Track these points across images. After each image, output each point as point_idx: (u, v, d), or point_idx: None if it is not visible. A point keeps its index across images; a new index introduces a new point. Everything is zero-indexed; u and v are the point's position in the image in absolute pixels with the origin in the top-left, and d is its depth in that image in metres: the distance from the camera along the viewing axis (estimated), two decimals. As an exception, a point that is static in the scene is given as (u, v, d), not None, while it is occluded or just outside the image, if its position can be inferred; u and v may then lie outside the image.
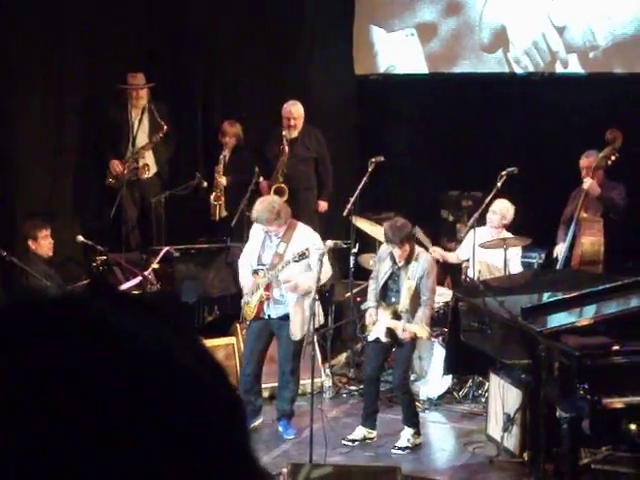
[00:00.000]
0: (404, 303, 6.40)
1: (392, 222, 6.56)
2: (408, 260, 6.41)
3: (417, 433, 6.48)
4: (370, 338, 6.56)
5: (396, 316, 6.46)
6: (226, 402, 0.76)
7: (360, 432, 6.53)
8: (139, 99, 8.48)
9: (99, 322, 0.73)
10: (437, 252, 7.76)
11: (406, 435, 6.44)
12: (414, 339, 6.51)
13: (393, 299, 6.51)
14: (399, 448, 6.40)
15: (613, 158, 7.67)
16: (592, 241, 7.65)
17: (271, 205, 6.53)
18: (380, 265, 6.61)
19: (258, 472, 0.79)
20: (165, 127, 8.41)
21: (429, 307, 6.46)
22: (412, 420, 6.48)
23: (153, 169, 8.61)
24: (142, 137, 8.54)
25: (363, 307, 6.74)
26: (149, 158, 8.59)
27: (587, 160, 7.75)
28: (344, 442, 6.44)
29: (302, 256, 6.26)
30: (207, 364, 0.77)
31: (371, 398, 6.59)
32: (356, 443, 6.49)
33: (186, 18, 9.10)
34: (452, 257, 7.90)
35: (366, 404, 6.61)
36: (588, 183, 7.61)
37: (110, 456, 0.69)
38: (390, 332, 6.45)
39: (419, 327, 6.39)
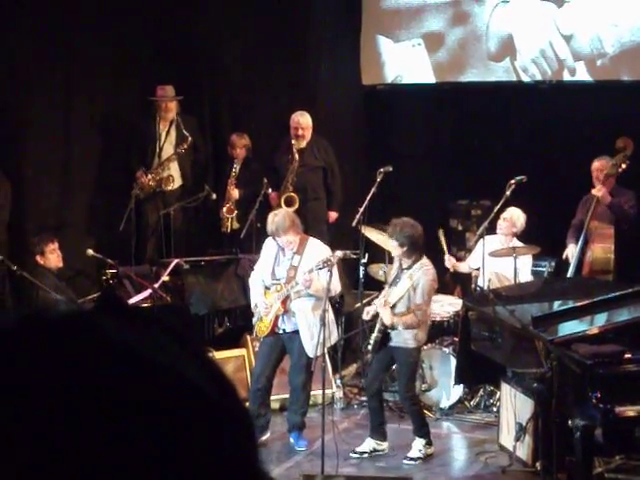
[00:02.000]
0: (393, 297, 6.31)
1: (399, 219, 6.53)
2: (410, 267, 6.35)
3: (429, 443, 6.44)
4: (369, 347, 6.49)
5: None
6: (235, 417, 0.76)
7: (369, 444, 6.51)
8: (168, 111, 8.55)
9: (106, 339, 0.73)
10: (451, 260, 7.74)
11: (417, 446, 6.41)
12: (409, 355, 6.39)
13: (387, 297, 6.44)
14: (411, 459, 6.37)
15: (624, 166, 7.66)
16: (603, 249, 7.62)
17: (286, 214, 6.64)
18: (391, 272, 6.62)
19: None
20: (190, 139, 8.46)
21: (416, 315, 6.28)
22: (422, 430, 6.43)
23: (178, 181, 8.65)
24: (169, 149, 8.61)
25: (363, 317, 6.66)
26: (174, 170, 8.63)
27: (599, 164, 7.74)
28: (352, 455, 6.40)
29: (327, 263, 6.27)
30: (216, 379, 0.77)
31: (375, 410, 6.53)
32: (365, 455, 6.46)
33: (193, 32, 9.14)
34: (463, 267, 7.88)
35: (371, 416, 6.57)
36: (601, 192, 7.58)
37: (118, 474, 0.68)
38: (384, 331, 6.35)
39: (388, 311, 6.24)
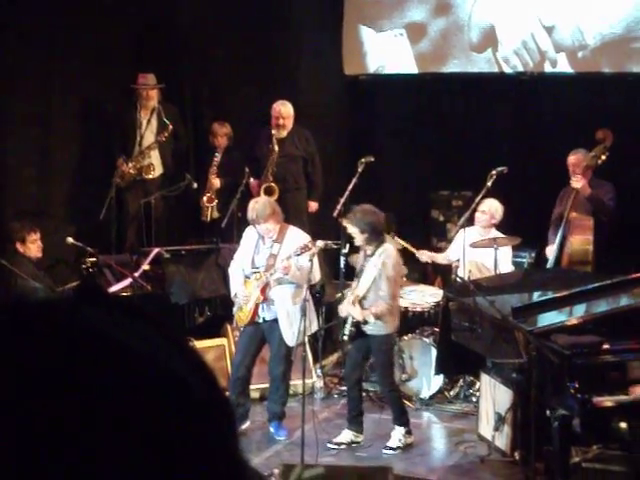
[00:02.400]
0: (361, 289, 6.30)
1: (359, 207, 6.50)
2: (373, 254, 6.33)
3: (408, 432, 6.45)
4: (345, 338, 6.49)
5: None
6: (215, 405, 0.76)
7: (347, 435, 6.51)
8: (149, 100, 8.52)
9: (85, 327, 0.73)
10: (425, 254, 7.76)
11: (397, 435, 6.42)
12: (383, 342, 6.38)
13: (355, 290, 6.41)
14: (390, 448, 6.38)
15: (604, 157, 7.69)
16: (582, 240, 7.66)
17: (267, 201, 6.66)
18: (358, 261, 6.58)
19: (248, 474, 0.78)
20: (170, 127, 8.43)
21: (385, 302, 6.26)
22: (402, 419, 6.44)
23: (159, 169, 8.62)
24: (150, 137, 8.58)
25: (340, 314, 6.61)
26: (155, 158, 8.60)
27: (575, 158, 7.77)
28: (330, 445, 6.39)
29: (305, 249, 6.27)
30: (196, 368, 0.76)
31: (354, 400, 6.53)
32: (342, 446, 6.47)
33: (175, 20, 9.09)
34: (441, 258, 7.90)
35: (350, 407, 6.57)
36: (580, 184, 7.61)
37: (97, 462, 0.68)
38: (357, 322, 6.34)
39: (357, 309, 6.23)
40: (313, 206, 8.66)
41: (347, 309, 6.32)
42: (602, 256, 7.68)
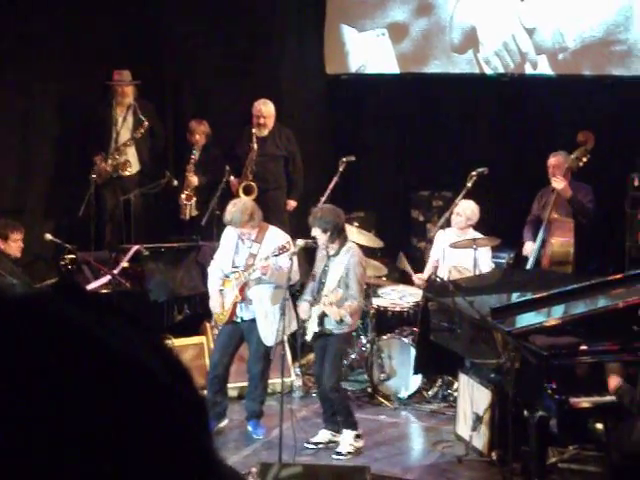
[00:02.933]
0: (327, 290, 6.27)
1: (319, 207, 6.50)
2: (338, 252, 6.30)
3: (358, 436, 6.34)
4: (308, 338, 6.46)
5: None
6: (189, 403, 0.76)
7: (324, 435, 6.49)
8: (125, 96, 8.49)
9: (60, 322, 0.72)
10: (420, 279, 7.71)
11: (347, 439, 6.33)
12: (341, 339, 6.36)
13: (322, 291, 6.37)
14: (339, 454, 6.26)
15: (585, 160, 7.73)
16: (562, 242, 7.70)
17: (244, 207, 6.53)
18: (318, 260, 6.57)
19: (222, 472, 0.78)
20: (146, 124, 8.40)
21: (355, 300, 6.25)
22: (349, 422, 6.34)
23: (135, 166, 8.59)
24: (126, 134, 8.55)
25: (298, 302, 6.60)
26: (131, 155, 8.57)
27: (555, 159, 7.80)
28: (307, 445, 6.36)
29: (282, 250, 6.26)
30: (171, 365, 0.76)
31: (325, 401, 6.48)
32: (320, 446, 6.45)
33: (155, 17, 9.06)
34: (428, 270, 7.82)
35: (323, 407, 6.53)
36: (561, 185, 7.64)
37: (66, 457, 0.68)
38: (321, 321, 6.32)
39: (335, 309, 6.19)
40: (292, 205, 8.66)
41: (324, 309, 6.28)
42: (582, 257, 7.72)
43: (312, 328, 6.36)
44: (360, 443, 6.36)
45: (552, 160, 7.81)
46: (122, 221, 8.45)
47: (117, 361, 0.72)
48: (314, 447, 6.42)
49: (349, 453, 6.28)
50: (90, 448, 0.69)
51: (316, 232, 6.29)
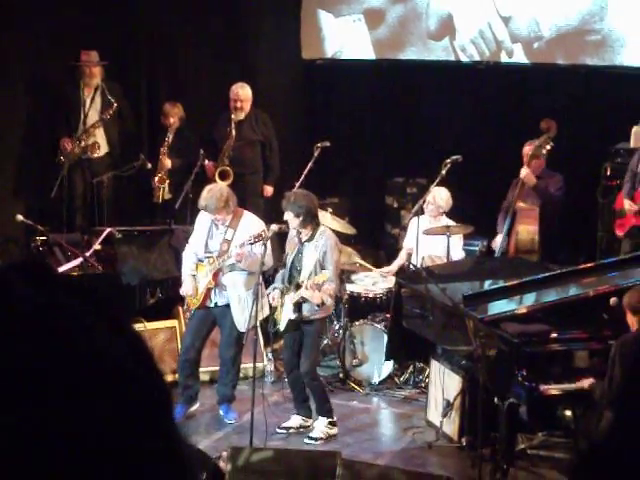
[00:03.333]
0: (305, 275, 6.25)
1: (291, 191, 6.48)
2: (312, 237, 6.29)
3: (332, 423, 6.36)
4: (281, 328, 6.44)
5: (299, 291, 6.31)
6: (153, 389, 0.75)
7: (296, 420, 6.51)
8: (92, 77, 8.41)
9: (16, 302, 0.71)
10: (389, 273, 7.73)
11: (320, 426, 6.34)
12: (318, 325, 6.36)
13: (297, 277, 6.35)
14: (312, 438, 6.28)
15: (548, 147, 7.78)
16: (528, 230, 7.76)
17: (219, 193, 6.48)
18: (288, 247, 6.55)
19: (186, 456, 0.78)
20: (115, 105, 8.34)
21: (332, 282, 6.23)
22: (324, 408, 6.36)
23: (104, 148, 8.54)
24: (94, 115, 8.48)
25: (268, 291, 6.59)
26: (100, 137, 8.51)
27: (527, 148, 7.86)
28: (278, 430, 6.37)
29: (258, 238, 6.24)
30: (134, 349, 0.76)
31: (296, 387, 6.50)
32: (291, 431, 6.47)
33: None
34: (402, 257, 7.84)
35: (294, 393, 6.54)
36: (524, 172, 7.72)
37: (29, 444, 0.67)
38: (298, 308, 6.31)
39: (317, 293, 6.18)
40: (269, 190, 8.64)
41: (303, 294, 6.26)
42: (550, 246, 7.78)
43: (287, 316, 6.35)
44: (334, 430, 6.38)
45: (527, 149, 7.85)
46: (94, 203, 8.40)
47: (74, 344, 0.71)
48: (285, 432, 6.44)
49: (321, 439, 6.30)
50: (47, 433, 0.68)
51: (288, 216, 6.27)
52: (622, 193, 7.64)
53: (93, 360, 0.71)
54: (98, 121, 8.45)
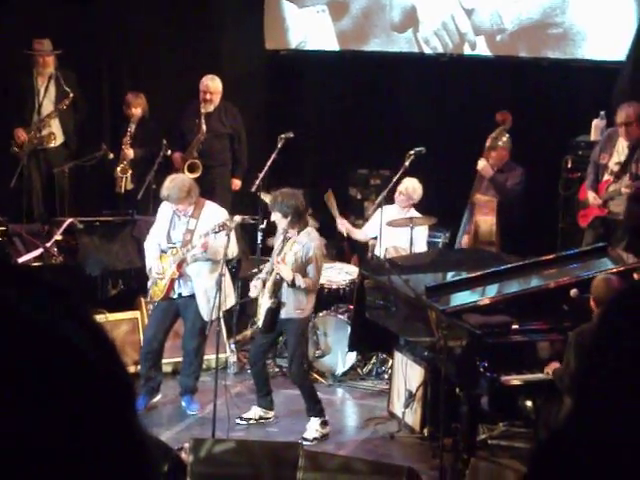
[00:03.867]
0: (281, 268, 6.21)
1: (278, 191, 6.48)
2: (298, 234, 6.25)
3: (324, 422, 6.34)
4: (259, 323, 6.41)
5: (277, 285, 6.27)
6: (114, 380, 0.75)
7: (255, 412, 6.50)
8: (45, 66, 8.31)
9: None
10: (345, 224, 7.81)
11: (313, 426, 6.32)
12: (298, 326, 6.31)
13: None
14: (306, 439, 6.22)
15: (504, 139, 7.85)
16: (486, 221, 7.82)
17: (182, 183, 6.46)
18: (275, 242, 6.55)
19: (149, 449, 0.78)
20: (71, 95, 8.25)
21: (311, 279, 6.21)
22: (315, 409, 6.34)
23: (60, 138, 8.45)
24: (48, 105, 8.37)
25: (250, 294, 6.48)
26: (55, 127, 8.42)
27: (488, 141, 7.93)
28: (238, 421, 6.35)
29: (222, 227, 6.22)
30: (96, 340, 0.75)
31: (259, 380, 6.49)
32: (251, 422, 6.46)
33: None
34: (359, 234, 7.96)
35: (257, 386, 6.54)
36: (481, 164, 7.79)
37: None
38: (275, 294, 6.25)
39: (288, 267, 6.13)
40: (237, 184, 8.60)
41: (275, 267, 6.20)
42: (510, 238, 7.84)
43: (264, 304, 6.32)
44: (327, 429, 6.34)
45: (487, 141, 7.91)
46: (54, 194, 8.32)
47: (37, 335, 0.70)
48: (245, 423, 6.43)
49: (315, 439, 6.26)
50: (8, 424, 0.67)
51: (276, 217, 6.24)
52: (585, 185, 7.72)
53: (54, 351, 0.71)
54: (54, 111, 8.36)
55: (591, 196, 7.57)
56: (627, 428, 0.95)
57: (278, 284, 6.25)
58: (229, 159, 8.59)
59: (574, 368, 4.93)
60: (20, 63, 8.37)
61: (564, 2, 8.59)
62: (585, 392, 1.03)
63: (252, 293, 6.44)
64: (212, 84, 8.37)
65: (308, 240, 6.23)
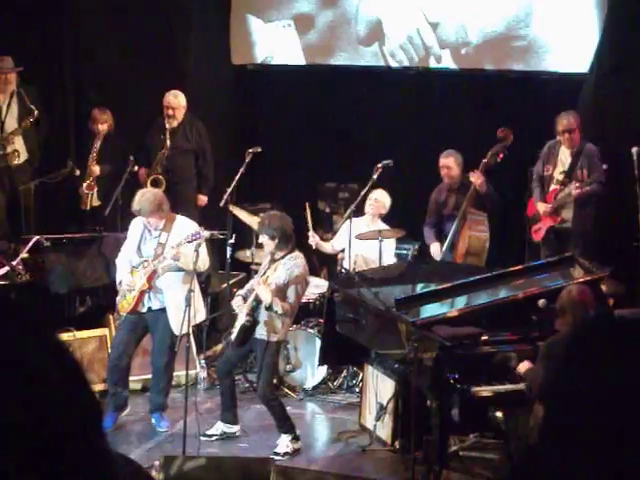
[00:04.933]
0: (262, 290, 6.17)
1: (265, 214, 6.49)
2: (283, 257, 6.23)
3: (295, 438, 6.30)
4: (232, 337, 6.37)
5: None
6: (79, 400, 0.74)
7: (218, 428, 6.45)
8: (7, 83, 8.26)
9: None
10: (315, 238, 7.82)
11: (284, 442, 6.27)
12: (271, 349, 6.26)
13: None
14: (278, 454, 6.18)
15: (502, 156, 7.88)
16: (478, 236, 7.82)
17: (153, 196, 6.47)
18: (263, 261, 6.56)
19: (114, 467, 0.76)
20: (36, 112, 8.19)
21: (289, 304, 6.18)
22: (286, 426, 6.31)
23: (23, 155, 8.39)
24: (11, 122, 8.31)
25: (234, 306, 6.50)
26: (19, 144, 8.36)
27: (445, 160, 7.91)
28: (201, 437, 6.23)
29: (195, 236, 6.20)
30: (60, 361, 0.74)
31: (225, 394, 6.46)
32: (214, 438, 6.40)
33: (59, 9, 8.84)
34: (327, 247, 7.97)
35: (222, 400, 6.50)
36: (479, 180, 7.74)
37: None
38: (251, 314, 6.21)
39: (268, 289, 6.10)
40: (203, 200, 8.56)
41: (255, 288, 6.17)
42: (494, 250, 7.88)
43: (240, 321, 6.28)
44: (298, 444, 6.29)
45: (444, 161, 7.90)
46: (20, 211, 8.25)
47: None
48: (208, 439, 6.35)
49: (286, 454, 6.21)
50: None
51: (264, 239, 6.25)
52: (532, 199, 7.80)
53: (15, 371, 0.69)
54: (17, 129, 8.30)
55: (541, 207, 7.65)
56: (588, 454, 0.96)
57: (258, 303, 6.23)
58: (193, 175, 8.55)
59: (543, 379, 4.95)
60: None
61: (528, 15, 8.67)
62: (554, 408, 1.03)
63: (235, 309, 6.37)
64: (174, 100, 8.36)
65: (293, 265, 6.21)
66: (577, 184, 7.43)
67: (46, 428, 0.70)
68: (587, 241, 7.55)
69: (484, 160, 7.81)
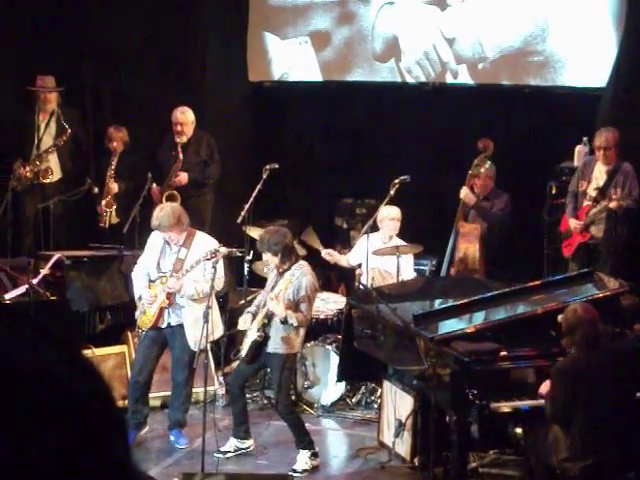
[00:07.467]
0: (274, 305, 6.16)
1: (263, 232, 6.48)
2: (289, 268, 6.23)
3: (314, 455, 6.26)
4: (242, 353, 6.38)
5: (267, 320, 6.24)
6: (106, 417, 0.75)
7: (231, 444, 6.41)
8: (47, 102, 8.38)
9: None
10: (330, 254, 7.81)
11: (302, 458, 6.24)
12: (284, 360, 6.24)
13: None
14: (296, 471, 6.15)
15: (487, 166, 7.91)
16: (468, 248, 7.84)
17: (171, 210, 6.47)
18: (268, 276, 6.56)
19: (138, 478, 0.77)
20: (69, 131, 8.30)
21: (303, 314, 6.17)
22: (304, 441, 6.27)
23: (57, 174, 8.49)
24: (48, 141, 8.45)
25: (239, 326, 6.44)
26: (53, 162, 8.46)
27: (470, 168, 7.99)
28: (215, 455, 6.21)
29: (214, 254, 6.21)
30: (87, 378, 0.75)
31: (236, 410, 6.45)
32: (228, 455, 6.36)
33: (77, 19, 8.93)
34: (343, 260, 7.94)
35: (234, 415, 6.49)
36: (463, 192, 7.83)
37: None
38: (263, 329, 6.21)
39: (280, 304, 6.08)
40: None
41: (268, 305, 6.17)
42: (497, 264, 7.86)
43: (251, 337, 6.29)
44: (317, 461, 6.27)
45: (470, 169, 7.96)
46: (41, 228, 8.32)
47: (26, 375, 0.70)
48: (222, 456, 6.30)
49: (305, 470, 6.18)
50: (2, 465, 0.67)
51: (267, 256, 6.25)
52: (565, 215, 7.79)
53: (45, 389, 0.70)
54: (52, 146, 8.40)
55: (573, 222, 7.63)
56: None
57: (269, 318, 6.22)
58: (206, 189, 8.57)
59: (559, 401, 4.92)
60: (24, 99, 8.44)
61: (544, 30, 8.67)
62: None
63: (240, 326, 6.42)
64: (182, 116, 8.39)
65: (300, 274, 6.21)
66: (614, 196, 7.39)
67: (77, 444, 0.71)
68: (618, 258, 7.50)
69: (469, 172, 7.86)
